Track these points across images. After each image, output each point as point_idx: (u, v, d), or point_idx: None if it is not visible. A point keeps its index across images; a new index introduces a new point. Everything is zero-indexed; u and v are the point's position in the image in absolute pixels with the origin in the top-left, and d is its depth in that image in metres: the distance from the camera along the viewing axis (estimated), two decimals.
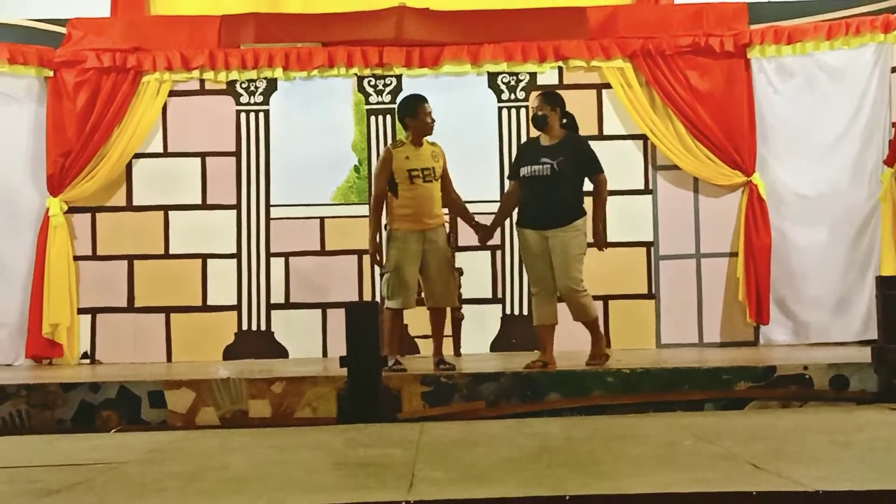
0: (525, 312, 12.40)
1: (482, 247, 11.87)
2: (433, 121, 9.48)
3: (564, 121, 9.46)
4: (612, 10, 12.72)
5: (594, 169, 9.24)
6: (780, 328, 12.27)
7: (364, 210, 12.26)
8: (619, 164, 11.87)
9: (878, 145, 12.15)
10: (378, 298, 11.80)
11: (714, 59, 12.43)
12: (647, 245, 12.50)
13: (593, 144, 9.56)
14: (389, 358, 9.04)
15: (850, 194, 12.20)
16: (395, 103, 12.30)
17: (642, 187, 12.52)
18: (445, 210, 9.70)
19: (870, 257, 12.17)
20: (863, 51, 12.15)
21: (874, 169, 12.13)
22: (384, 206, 9.47)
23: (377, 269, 12.03)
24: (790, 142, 12.33)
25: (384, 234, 9.53)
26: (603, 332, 9.36)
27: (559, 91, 10.06)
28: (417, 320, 10.69)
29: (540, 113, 9.39)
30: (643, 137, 12.47)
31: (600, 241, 9.32)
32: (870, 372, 8.36)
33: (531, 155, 9.41)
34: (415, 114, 9.44)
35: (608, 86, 12.47)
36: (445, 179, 9.56)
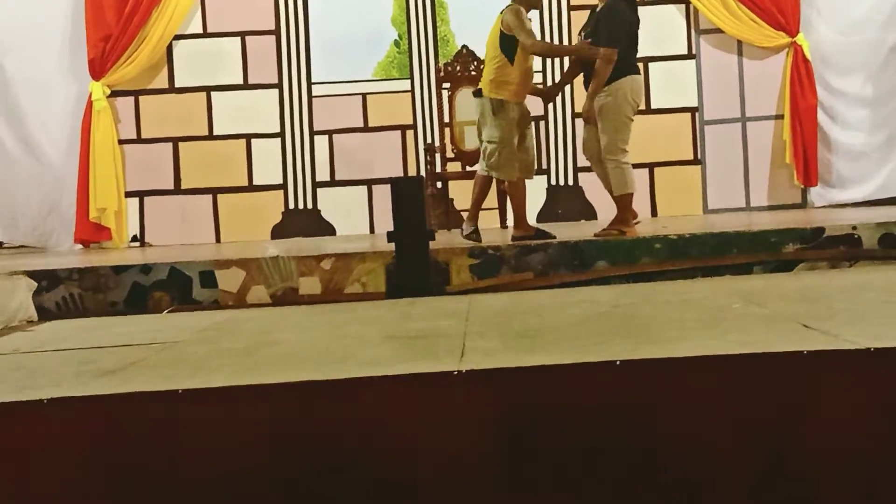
0: (570, 183, 12.38)
1: None
2: None
3: None
4: None
5: (605, 41, 8.95)
6: (827, 189, 12.20)
7: (406, 85, 12.31)
8: (662, 29, 11.74)
9: None
10: (424, 173, 11.80)
11: None
12: (692, 110, 12.40)
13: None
14: (467, 226, 8.98)
15: (891, 49, 12.03)
16: None
17: (685, 52, 12.40)
18: None
19: None
20: None
21: None
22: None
23: (421, 143, 12.04)
24: (834, 1, 12.15)
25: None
26: (630, 212, 9.11)
27: None
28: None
29: None
30: (685, 1, 12.31)
31: (586, 116, 9.06)
32: None
33: (586, 22, 9.29)
34: None
35: None
36: None
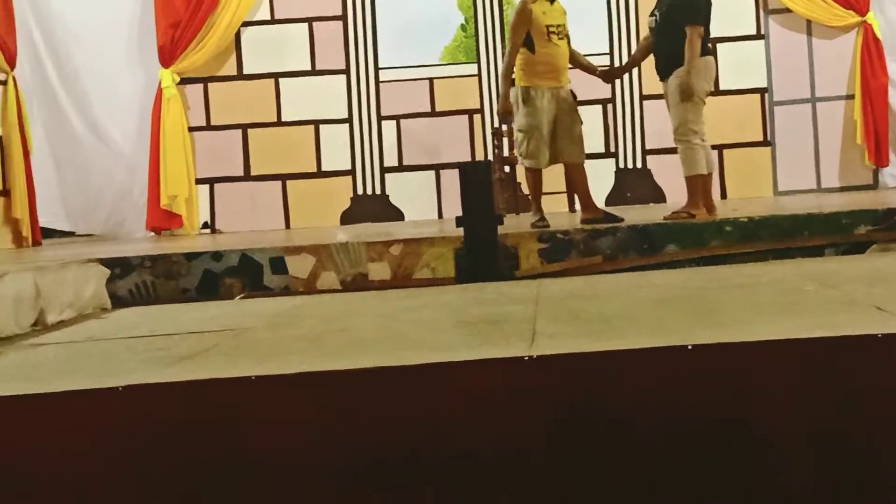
0: (639, 166, 12.33)
1: (594, 101, 11.85)
2: None
3: None
4: None
5: (685, 20, 8.92)
6: None
7: (473, 69, 12.28)
8: (730, 9, 11.65)
9: None
10: (492, 157, 11.81)
11: None
12: (762, 91, 12.32)
13: None
14: (533, 215, 9.11)
15: None
16: None
17: (754, 32, 12.31)
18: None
19: None
20: None
21: None
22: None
23: (489, 128, 12.06)
24: None
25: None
26: (700, 195, 9.09)
27: None
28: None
29: None
30: None
31: (684, 93, 9.00)
32: None
33: (656, 4, 9.26)
34: None
35: None
36: (568, 36, 9.43)
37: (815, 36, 12.31)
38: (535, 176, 9.35)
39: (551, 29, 9.10)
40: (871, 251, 8.14)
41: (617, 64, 12.13)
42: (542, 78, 9.10)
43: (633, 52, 11.64)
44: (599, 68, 9.66)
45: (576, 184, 9.38)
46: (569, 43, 9.38)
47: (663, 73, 9.11)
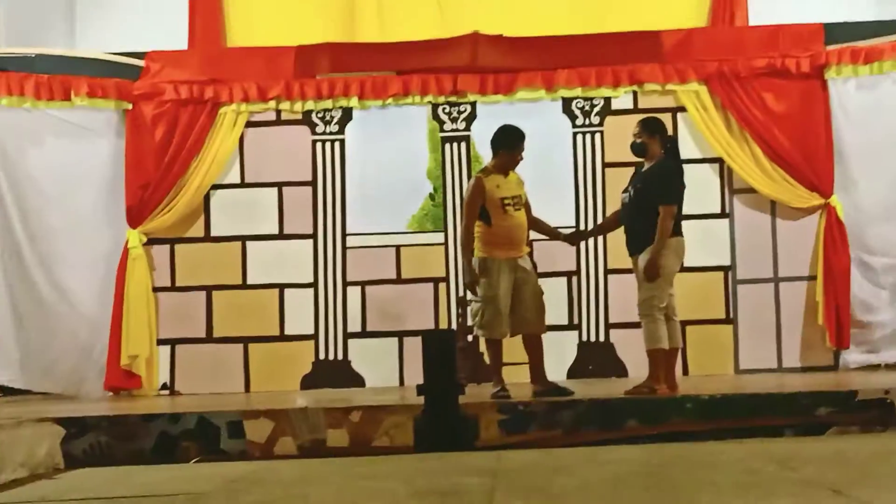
0: (601, 339, 12.35)
1: (558, 273, 11.94)
2: (522, 159, 9.51)
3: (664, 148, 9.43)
4: (686, 33, 12.70)
5: (659, 199, 9.10)
6: (860, 352, 12.12)
7: (440, 238, 12.35)
8: (696, 187, 11.75)
9: None
10: (455, 326, 11.83)
11: (790, 81, 12.34)
12: (725, 269, 12.40)
13: None
14: (494, 386, 9.21)
15: None
16: (469, 130, 12.38)
17: (719, 211, 12.44)
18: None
19: None
20: None
21: None
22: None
23: (453, 296, 12.11)
24: (869, 163, 12.19)
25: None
26: (662, 370, 9.17)
27: (655, 117, 9.94)
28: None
29: (638, 140, 9.39)
30: (719, 161, 12.39)
31: (649, 272, 9.11)
32: None
33: (630, 180, 9.45)
34: (513, 149, 9.45)
35: (683, 109, 12.41)
36: (527, 206, 9.57)
37: (779, 216, 12.43)
38: (495, 346, 9.41)
39: (506, 201, 9.27)
40: (830, 433, 8.16)
41: (583, 242, 12.20)
42: (500, 249, 9.26)
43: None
44: (565, 235, 9.82)
45: (531, 354, 9.47)
46: (529, 211, 9.53)
47: (633, 248, 9.25)
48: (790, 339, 12.28)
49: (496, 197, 9.29)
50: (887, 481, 5.30)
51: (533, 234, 9.86)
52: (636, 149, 9.44)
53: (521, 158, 9.52)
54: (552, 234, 9.89)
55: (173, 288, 12.48)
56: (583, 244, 12.09)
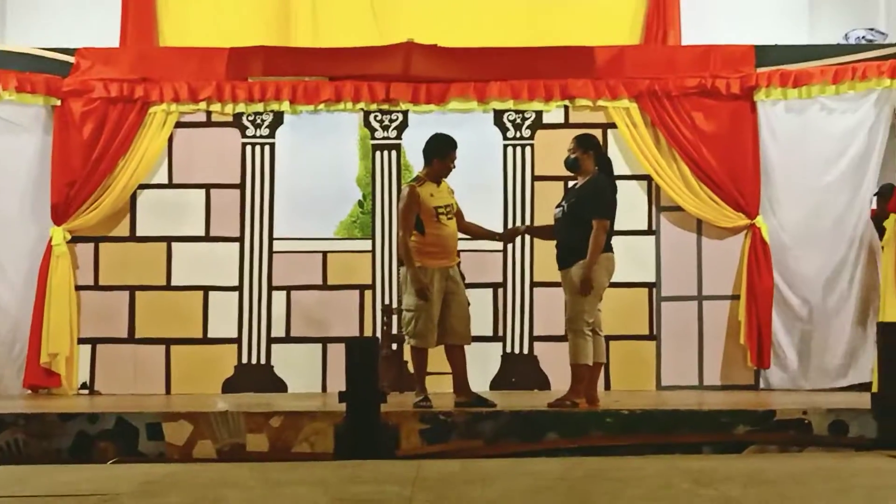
0: (525, 351, 12.38)
1: (484, 284, 11.96)
2: (454, 167, 9.54)
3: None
4: (619, 50, 12.77)
5: (592, 213, 9.20)
6: (780, 372, 12.23)
7: (367, 245, 12.35)
8: (623, 204, 11.77)
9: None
10: (380, 334, 11.82)
11: (720, 101, 12.44)
12: (650, 286, 12.48)
13: None
14: (417, 395, 9.25)
15: (849, 239, 12.18)
16: (400, 139, 12.38)
17: (646, 228, 12.51)
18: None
19: (867, 304, 12.16)
20: (868, 96, 12.13)
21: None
22: None
23: (379, 304, 12.10)
24: (794, 185, 12.31)
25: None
26: (584, 384, 9.26)
27: (589, 133, 10.02)
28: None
29: (572, 156, 9.48)
30: (647, 178, 12.47)
31: (583, 287, 9.19)
32: (869, 418, 8.35)
33: (564, 196, 9.53)
34: (444, 156, 9.49)
35: (613, 125, 12.48)
36: (459, 214, 9.61)
37: (704, 235, 12.51)
38: (420, 355, 9.43)
39: (439, 210, 9.31)
40: (748, 451, 8.24)
41: (510, 253, 12.25)
42: (432, 258, 9.29)
43: (527, 240, 11.89)
44: (497, 234, 9.94)
45: (455, 365, 9.49)
46: (461, 218, 9.58)
47: (564, 262, 9.33)
48: (712, 357, 12.37)
49: (430, 206, 9.32)
50: (803, 502, 5.34)
51: (462, 245, 9.88)
52: (570, 164, 9.52)
53: (454, 166, 9.57)
54: (487, 234, 9.98)
55: (96, 287, 12.36)
56: (510, 256, 12.16)
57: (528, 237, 11.66)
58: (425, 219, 9.31)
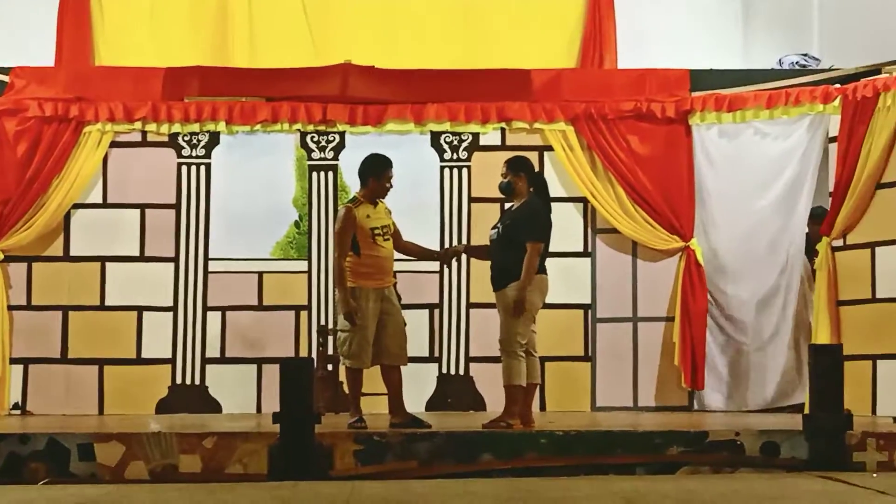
0: (461, 373, 12.40)
1: (421, 305, 11.97)
2: (391, 186, 9.53)
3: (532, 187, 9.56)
4: (555, 73, 12.85)
5: (526, 235, 9.23)
6: (714, 393, 12.31)
7: (303, 266, 12.33)
8: (559, 226, 11.82)
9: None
10: (315, 355, 11.79)
11: (655, 125, 12.53)
12: (585, 307, 12.53)
13: None
14: (351, 416, 9.21)
15: (783, 262, 12.29)
16: (337, 160, 12.38)
17: (581, 250, 12.57)
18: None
19: (801, 327, 12.27)
20: (801, 121, 12.24)
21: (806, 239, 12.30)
22: None
23: (314, 325, 12.07)
24: (728, 208, 12.42)
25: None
26: (518, 405, 9.28)
27: (522, 156, 10.03)
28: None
29: (505, 179, 9.50)
30: (583, 200, 12.53)
31: (517, 308, 9.21)
32: (800, 439, 8.41)
33: (499, 217, 9.55)
34: (380, 176, 9.49)
35: (550, 148, 12.53)
36: (397, 234, 9.61)
37: (640, 257, 12.58)
38: (355, 376, 9.42)
39: (376, 231, 9.32)
40: (681, 472, 8.27)
41: (447, 274, 12.27)
42: (368, 279, 9.29)
43: (463, 261, 11.90)
44: (436, 252, 9.96)
45: (390, 385, 9.49)
46: (399, 238, 9.59)
47: (498, 283, 9.35)
48: (646, 378, 12.44)
49: (366, 227, 9.32)
50: None
51: (398, 266, 9.88)
52: (503, 188, 9.55)
53: (391, 186, 9.56)
54: (425, 253, 9.98)
55: (29, 307, 12.26)
56: (446, 278, 12.19)
57: (465, 257, 11.66)
58: (361, 240, 9.31)
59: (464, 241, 12.34)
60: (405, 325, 9.57)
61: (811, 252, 12.14)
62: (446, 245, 12.34)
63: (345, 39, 13.40)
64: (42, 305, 12.27)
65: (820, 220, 11.98)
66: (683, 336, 12.18)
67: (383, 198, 9.59)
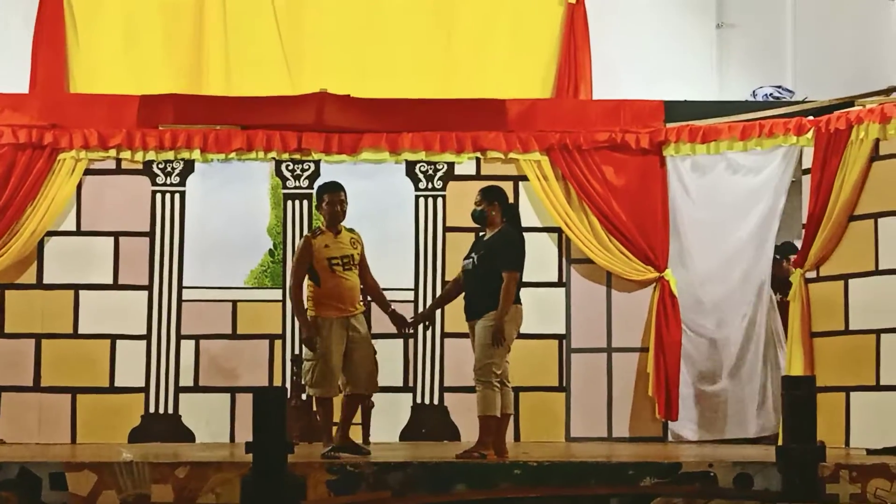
0: (436, 402, 12.38)
1: (395, 334, 11.92)
2: (343, 209, 9.48)
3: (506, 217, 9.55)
4: (530, 103, 12.88)
5: (503, 265, 9.21)
6: (688, 424, 12.32)
7: (277, 294, 12.31)
8: (534, 256, 11.82)
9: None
10: (289, 384, 11.76)
11: (630, 156, 12.58)
12: (560, 337, 12.54)
13: None
14: (324, 446, 9.26)
15: (756, 293, 12.33)
16: (312, 189, 12.34)
17: (556, 280, 12.58)
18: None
19: (774, 359, 12.31)
20: (775, 152, 12.27)
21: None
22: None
23: (289, 354, 12.05)
24: (702, 239, 12.46)
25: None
26: (492, 435, 9.26)
27: (495, 185, 10.00)
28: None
29: (478, 208, 9.47)
30: (558, 230, 12.56)
31: (496, 338, 9.19)
32: (774, 471, 8.40)
33: (471, 247, 9.53)
34: (320, 202, 9.55)
35: (525, 178, 12.55)
36: (363, 266, 9.58)
37: (614, 288, 12.60)
38: (324, 405, 9.44)
39: (333, 261, 9.33)
40: (654, 503, 8.26)
41: (421, 303, 12.27)
42: (329, 309, 9.33)
43: (438, 291, 11.88)
44: (393, 312, 9.73)
45: (343, 410, 9.47)
46: (366, 271, 9.56)
47: (473, 313, 9.33)
48: (620, 409, 12.44)
49: (323, 257, 9.33)
50: None
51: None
52: (477, 217, 9.53)
53: (341, 209, 9.49)
54: (384, 306, 9.78)
55: (2, 335, 12.20)
56: (420, 307, 12.19)
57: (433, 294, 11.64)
58: (319, 270, 9.34)
59: (438, 272, 12.38)
60: (375, 353, 9.55)
61: (784, 284, 12.18)
62: (420, 275, 12.37)
63: (320, 68, 13.38)
64: (15, 333, 12.21)
65: (784, 255, 12.07)
66: (657, 367, 12.20)
67: (337, 224, 9.52)
